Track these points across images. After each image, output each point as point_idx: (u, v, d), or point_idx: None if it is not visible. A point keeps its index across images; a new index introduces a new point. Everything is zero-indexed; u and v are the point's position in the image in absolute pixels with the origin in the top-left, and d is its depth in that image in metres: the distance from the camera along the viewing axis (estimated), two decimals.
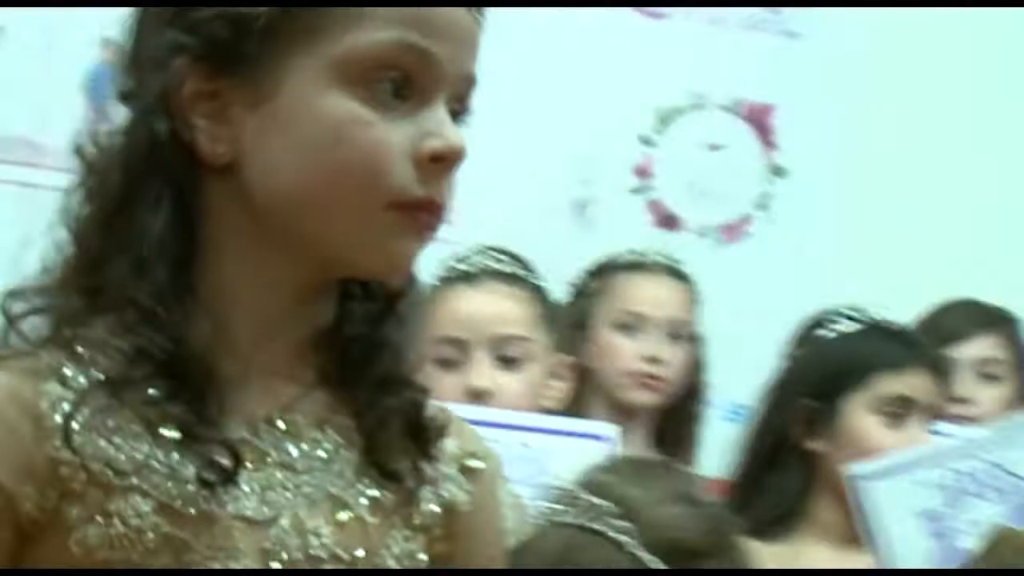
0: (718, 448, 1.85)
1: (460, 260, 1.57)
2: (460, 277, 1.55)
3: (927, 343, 1.80)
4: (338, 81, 0.62)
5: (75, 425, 0.60)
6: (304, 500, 0.65)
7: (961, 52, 2.71)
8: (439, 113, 0.64)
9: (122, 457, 0.61)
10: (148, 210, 0.63)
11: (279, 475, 0.65)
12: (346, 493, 0.66)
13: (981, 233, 2.67)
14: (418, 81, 0.64)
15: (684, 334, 1.99)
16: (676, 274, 2.02)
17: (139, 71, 0.66)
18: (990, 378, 2.10)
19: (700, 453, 2.02)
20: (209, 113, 0.64)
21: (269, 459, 0.65)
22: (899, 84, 2.68)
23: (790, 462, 1.67)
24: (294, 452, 0.66)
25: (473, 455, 0.72)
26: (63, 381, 0.61)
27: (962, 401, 2.01)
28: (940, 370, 1.72)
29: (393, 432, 0.68)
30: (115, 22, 0.69)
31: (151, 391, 0.62)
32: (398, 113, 0.63)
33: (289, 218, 0.64)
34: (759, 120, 2.73)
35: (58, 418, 0.60)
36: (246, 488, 0.63)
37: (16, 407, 0.61)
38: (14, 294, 0.66)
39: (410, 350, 0.71)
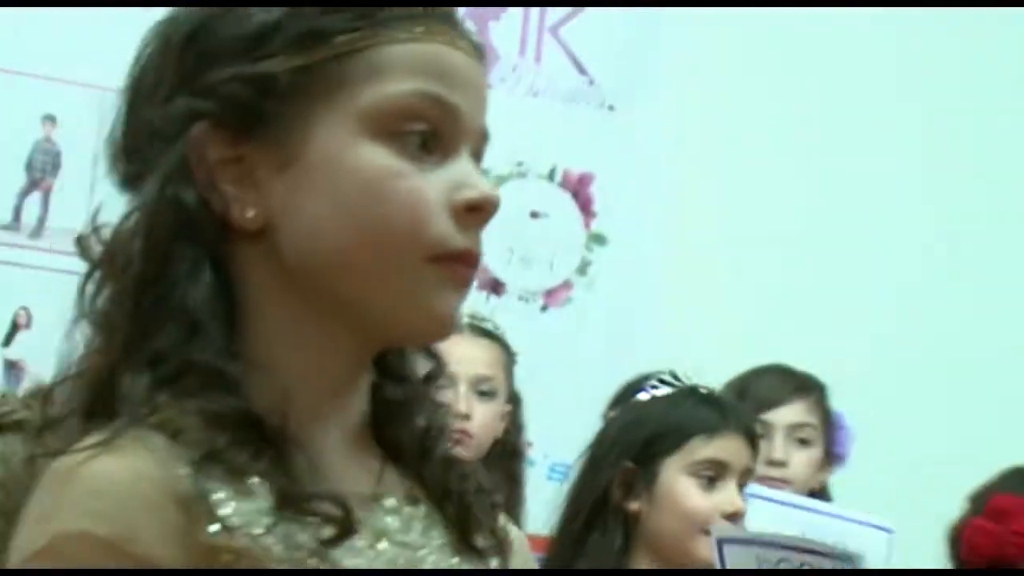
0: (542, 506, 1.87)
1: None
2: None
3: (741, 408, 1.87)
4: (367, 134, 0.60)
5: (230, 510, 0.56)
6: None
7: (768, 125, 2.90)
8: (467, 164, 0.63)
9: (271, 539, 0.57)
10: (187, 278, 0.60)
11: (401, 551, 0.62)
12: (453, 569, 0.66)
13: (792, 300, 2.84)
14: (443, 134, 0.62)
15: (490, 391, 2.01)
16: (483, 333, 2.05)
17: (145, 148, 0.62)
18: (802, 442, 2.19)
19: (525, 511, 2.03)
20: (235, 178, 0.61)
21: (388, 537, 0.62)
22: (712, 154, 2.84)
23: (610, 522, 1.69)
24: (404, 528, 0.63)
25: (507, 525, 0.71)
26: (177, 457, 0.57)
27: (777, 464, 2.10)
28: (753, 434, 1.80)
29: (474, 510, 0.67)
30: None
31: (237, 458, 0.57)
32: (427, 166, 0.61)
33: (327, 280, 0.61)
34: (578, 189, 2.82)
35: (209, 505, 0.56)
36: (379, 564, 0.61)
37: (159, 492, 0.56)
38: (47, 396, 0.63)
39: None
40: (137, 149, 0.63)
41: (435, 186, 0.61)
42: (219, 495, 0.56)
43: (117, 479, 0.56)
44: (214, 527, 0.55)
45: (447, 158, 0.62)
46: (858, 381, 2.55)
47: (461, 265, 0.62)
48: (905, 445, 2.83)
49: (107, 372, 0.60)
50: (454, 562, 0.65)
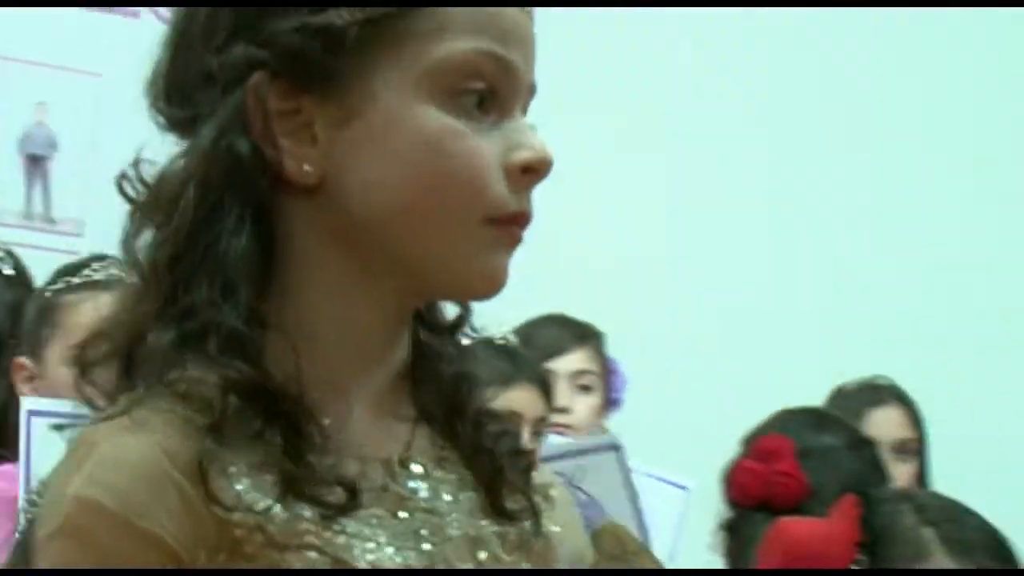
0: None
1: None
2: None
3: (533, 359, 1.88)
4: (428, 94, 0.60)
5: (242, 486, 0.57)
6: (451, 544, 0.63)
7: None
8: (522, 124, 0.64)
9: (286, 515, 0.57)
10: (231, 232, 0.59)
11: (425, 519, 0.62)
12: (481, 532, 0.65)
13: (569, 251, 2.91)
14: (500, 92, 0.62)
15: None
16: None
17: (197, 94, 0.61)
18: (584, 388, 2.27)
19: None
20: (291, 131, 0.60)
21: (410, 504, 0.62)
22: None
23: None
24: (431, 494, 0.63)
25: (550, 484, 0.72)
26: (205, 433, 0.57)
27: (561, 411, 2.13)
28: (546, 384, 1.82)
29: (506, 469, 0.66)
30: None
31: (250, 431, 0.58)
32: (483, 125, 0.62)
33: (383, 236, 0.62)
34: None
35: (223, 478, 0.57)
36: (398, 532, 0.61)
37: (177, 468, 0.57)
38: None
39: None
40: (187, 94, 0.62)
41: (492, 147, 0.61)
42: (233, 469, 0.57)
43: (133, 456, 0.57)
44: (228, 502, 0.56)
45: (503, 118, 0.63)
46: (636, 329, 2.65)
47: (515, 226, 0.63)
48: (685, 393, 2.98)
49: (143, 323, 0.60)
50: (483, 524, 0.65)
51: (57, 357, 1.59)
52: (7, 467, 1.63)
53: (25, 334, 1.72)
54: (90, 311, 1.47)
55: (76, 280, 1.66)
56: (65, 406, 1.34)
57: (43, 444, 1.43)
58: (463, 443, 0.66)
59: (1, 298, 1.84)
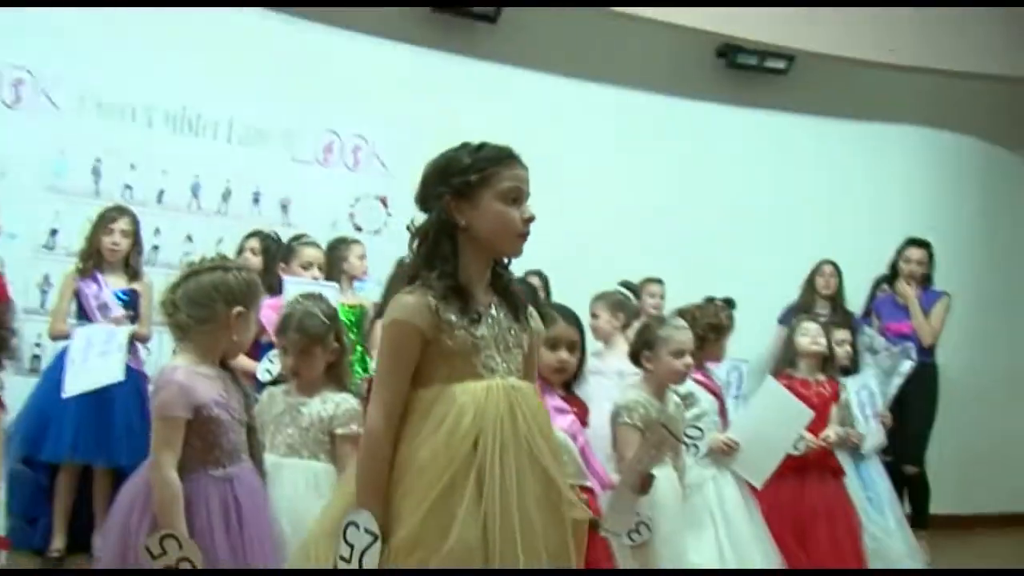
0: None
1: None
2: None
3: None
4: (497, 199, 2.02)
5: (443, 312, 1.99)
6: (513, 340, 2.08)
7: None
8: (527, 206, 2.05)
9: (454, 318, 1.99)
10: (443, 242, 2.03)
11: (504, 329, 2.07)
12: (519, 339, 2.10)
13: None
14: (520, 197, 2.04)
15: None
16: None
17: (430, 201, 2.04)
18: None
19: None
20: (456, 210, 2.02)
21: (491, 320, 2.06)
22: None
23: None
24: (502, 319, 2.08)
25: (532, 315, 2.17)
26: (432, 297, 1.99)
27: None
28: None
29: (520, 307, 2.12)
30: None
31: (451, 299, 2.00)
32: (514, 208, 2.03)
33: (486, 241, 2.04)
34: None
35: (439, 311, 1.98)
36: (494, 332, 2.06)
37: (426, 306, 1.98)
38: (404, 273, 2.13)
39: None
40: (426, 201, 2.06)
41: (518, 213, 2.04)
42: (443, 307, 1.99)
43: (411, 301, 2.00)
44: (443, 316, 1.99)
45: (520, 203, 2.04)
46: None
47: (523, 238, 2.06)
48: None
49: (417, 270, 2.05)
50: (515, 326, 2.09)
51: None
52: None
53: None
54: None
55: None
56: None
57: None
58: (507, 298, 2.10)
59: None
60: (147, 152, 5.00)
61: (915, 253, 5.72)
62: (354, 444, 2.84)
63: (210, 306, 2.48)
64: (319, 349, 2.96)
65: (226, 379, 2.53)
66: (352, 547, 1.92)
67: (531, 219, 2.03)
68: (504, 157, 2.04)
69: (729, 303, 4.24)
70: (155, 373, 4.57)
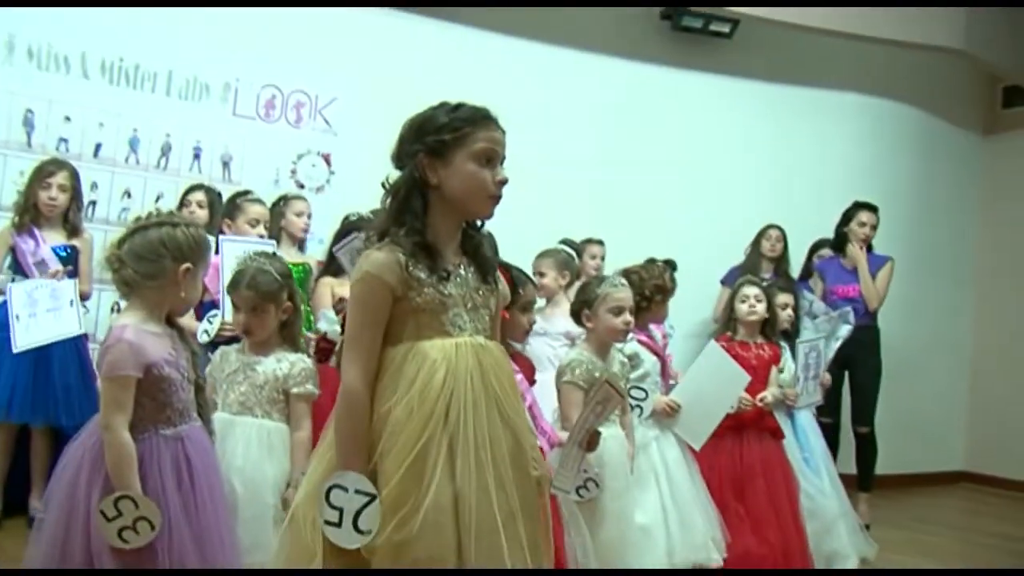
0: None
1: None
2: None
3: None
4: (471, 159, 2.03)
5: (412, 268, 1.99)
6: (480, 300, 2.09)
7: None
8: (500, 169, 2.06)
9: (423, 275, 2.00)
10: (414, 199, 2.04)
11: (472, 288, 2.08)
12: (486, 300, 2.11)
13: None
14: (494, 159, 2.05)
15: None
16: None
17: (404, 159, 2.06)
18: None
19: None
20: (430, 168, 2.03)
21: (460, 279, 2.06)
22: None
23: None
24: (470, 279, 2.08)
25: (499, 278, 2.18)
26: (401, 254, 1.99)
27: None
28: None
29: (489, 267, 2.13)
30: None
31: (419, 256, 2.00)
32: (487, 168, 2.04)
33: (457, 201, 2.05)
34: None
35: (409, 267, 1.99)
36: (462, 291, 2.06)
37: (395, 261, 1.98)
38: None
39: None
40: (401, 158, 2.08)
41: (491, 176, 2.04)
42: (411, 263, 1.99)
43: (380, 257, 2.00)
44: (412, 272, 1.99)
45: (494, 165, 2.06)
46: None
47: (495, 199, 2.07)
48: None
49: (387, 226, 2.06)
50: (483, 287, 2.10)
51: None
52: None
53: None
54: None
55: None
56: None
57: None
58: (476, 259, 2.10)
59: None
60: (83, 104, 4.84)
61: (868, 217, 5.70)
62: (308, 403, 2.89)
63: (157, 262, 2.43)
64: (272, 307, 2.95)
65: (174, 337, 2.49)
66: (340, 510, 1.89)
67: (504, 181, 2.04)
68: (480, 118, 2.04)
69: (671, 265, 4.27)
70: (98, 331, 4.61)
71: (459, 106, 2.06)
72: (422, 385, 1.94)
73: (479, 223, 2.14)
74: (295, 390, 2.89)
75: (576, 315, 3.51)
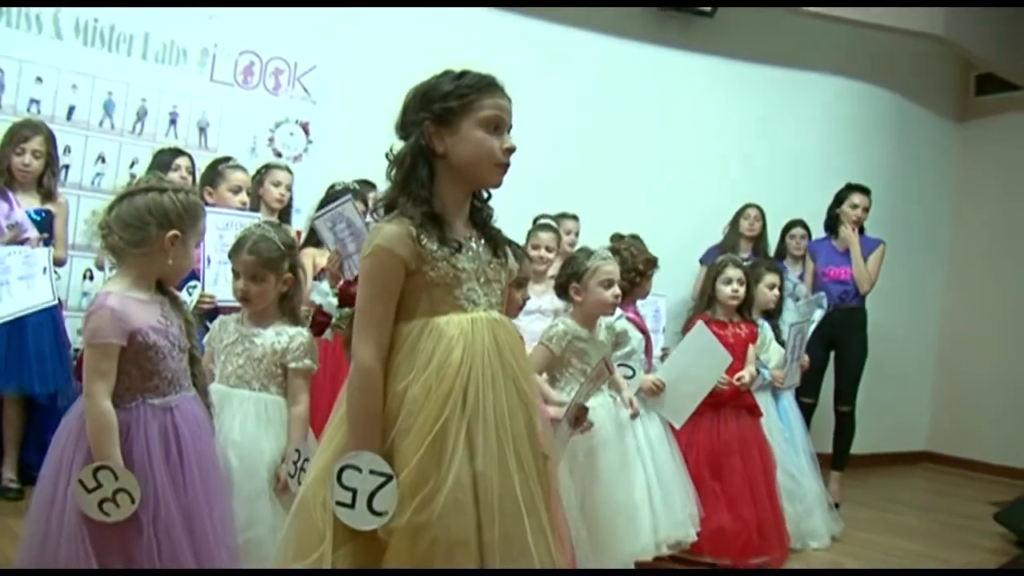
0: None
1: None
2: None
3: None
4: (478, 126, 1.99)
5: (424, 241, 1.94)
6: (492, 274, 2.06)
7: None
8: (508, 137, 2.02)
9: (435, 248, 1.96)
10: (420, 169, 2.00)
11: (485, 262, 2.04)
12: (497, 273, 2.07)
13: None
14: (501, 126, 2.01)
15: None
16: None
17: (409, 127, 2.02)
18: None
19: None
20: (437, 137, 1.99)
21: (472, 252, 2.02)
22: None
23: None
24: (482, 252, 2.05)
25: (510, 252, 2.15)
26: (412, 226, 1.95)
27: None
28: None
29: (500, 240, 2.09)
30: None
31: (429, 227, 1.96)
32: (494, 136, 2.00)
33: (464, 169, 2.01)
34: None
35: (421, 240, 1.94)
36: (475, 265, 2.02)
37: (407, 234, 1.93)
38: (380, 202, 2.08)
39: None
40: (405, 128, 2.03)
41: (498, 143, 2.00)
42: (423, 236, 1.95)
43: (392, 230, 1.94)
44: (425, 245, 1.95)
45: (501, 133, 2.01)
46: None
47: (503, 167, 2.02)
48: None
49: (395, 198, 2.02)
50: (495, 260, 2.06)
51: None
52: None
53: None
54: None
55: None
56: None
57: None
58: (486, 232, 2.07)
59: None
60: (55, 65, 4.71)
61: (861, 199, 5.70)
62: (307, 378, 2.85)
63: (143, 228, 2.36)
64: (272, 276, 2.89)
65: (164, 304, 2.43)
66: (354, 491, 1.84)
67: (511, 149, 1.99)
68: (486, 85, 1.99)
69: (637, 240, 4.28)
70: (69, 298, 4.51)
71: (464, 73, 2.01)
72: (439, 363, 1.88)
73: (486, 194, 2.09)
74: (293, 365, 2.84)
75: (563, 288, 3.50)
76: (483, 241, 2.05)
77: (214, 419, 2.54)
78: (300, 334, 2.88)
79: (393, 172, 2.03)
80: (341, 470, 1.85)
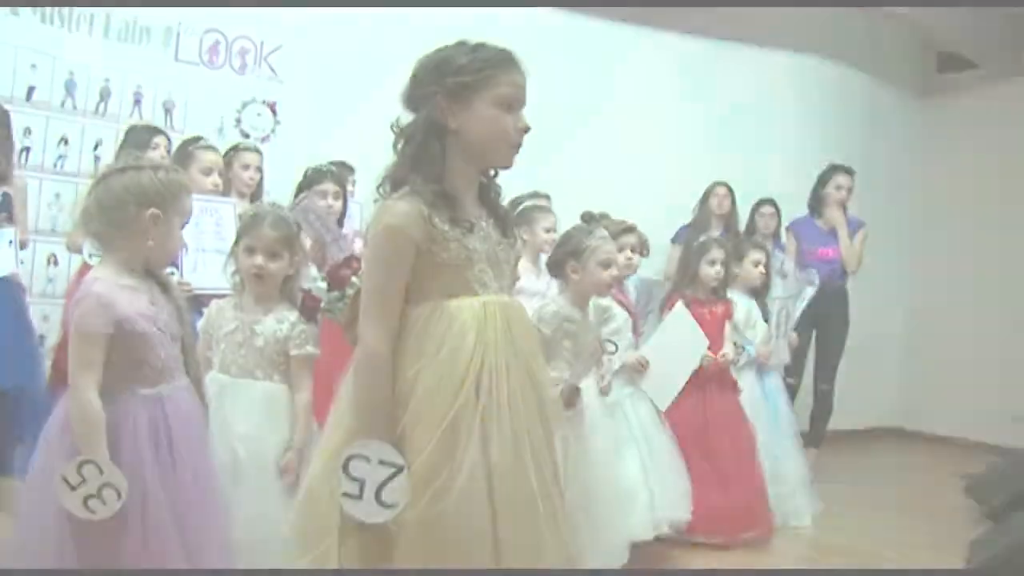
0: None
1: None
2: None
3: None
4: (494, 104, 1.89)
5: (436, 221, 1.85)
6: (502, 256, 1.96)
7: None
8: (522, 115, 1.92)
9: (447, 228, 1.86)
10: (432, 144, 1.89)
11: (495, 243, 1.95)
12: (507, 255, 1.98)
13: None
14: (516, 104, 1.91)
15: None
16: None
17: (419, 101, 1.91)
18: None
19: None
20: (449, 112, 1.88)
21: (483, 233, 1.93)
22: None
23: None
24: (492, 232, 1.96)
25: (515, 232, 2.05)
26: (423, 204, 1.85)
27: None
28: None
29: (509, 220, 2.03)
30: None
31: (440, 206, 1.86)
32: (509, 114, 1.90)
33: (477, 147, 1.92)
34: None
35: (433, 219, 1.84)
36: (486, 246, 1.92)
37: (418, 213, 1.83)
38: (387, 178, 1.93)
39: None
40: (415, 100, 1.92)
41: (513, 122, 1.91)
42: (434, 216, 1.85)
43: (403, 208, 1.85)
44: (436, 225, 1.85)
45: (515, 111, 1.91)
46: None
47: (516, 148, 1.93)
48: None
49: (404, 174, 1.92)
50: (504, 241, 1.97)
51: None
52: None
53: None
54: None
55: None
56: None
57: None
58: (496, 212, 1.98)
59: None
60: (12, 43, 4.51)
61: (845, 180, 5.73)
62: (309, 366, 2.77)
63: (121, 209, 2.24)
64: (287, 254, 2.82)
65: (154, 290, 2.32)
66: (362, 482, 1.74)
67: (526, 129, 1.90)
68: (503, 60, 1.89)
69: (606, 217, 4.24)
70: (33, 285, 4.36)
71: (480, 46, 1.90)
72: (451, 349, 1.80)
73: (495, 172, 1.99)
74: (295, 352, 2.75)
75: (559, 266, 3.43)
76: (492, 221, 1.95)
77: (209, 410, 2.44)
78: (301, 320, 2.80)
79: (401, 146, 1.91)
80: (348, 459, 1.75)
